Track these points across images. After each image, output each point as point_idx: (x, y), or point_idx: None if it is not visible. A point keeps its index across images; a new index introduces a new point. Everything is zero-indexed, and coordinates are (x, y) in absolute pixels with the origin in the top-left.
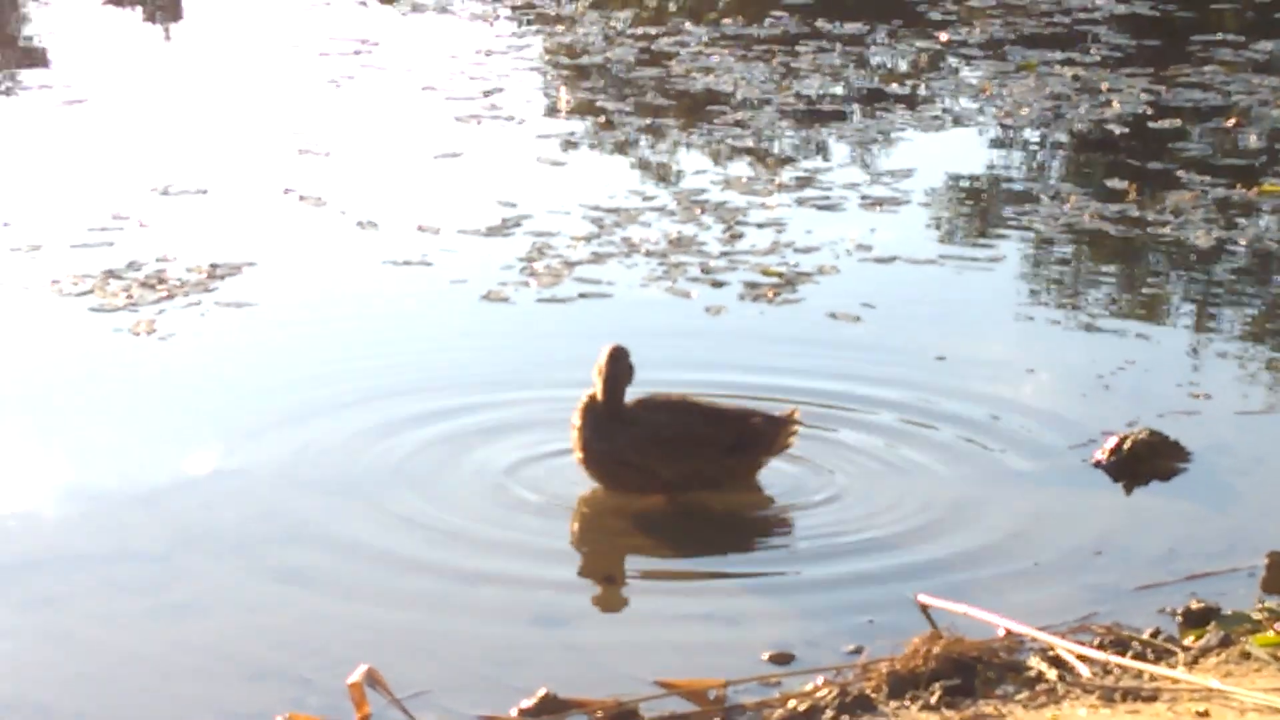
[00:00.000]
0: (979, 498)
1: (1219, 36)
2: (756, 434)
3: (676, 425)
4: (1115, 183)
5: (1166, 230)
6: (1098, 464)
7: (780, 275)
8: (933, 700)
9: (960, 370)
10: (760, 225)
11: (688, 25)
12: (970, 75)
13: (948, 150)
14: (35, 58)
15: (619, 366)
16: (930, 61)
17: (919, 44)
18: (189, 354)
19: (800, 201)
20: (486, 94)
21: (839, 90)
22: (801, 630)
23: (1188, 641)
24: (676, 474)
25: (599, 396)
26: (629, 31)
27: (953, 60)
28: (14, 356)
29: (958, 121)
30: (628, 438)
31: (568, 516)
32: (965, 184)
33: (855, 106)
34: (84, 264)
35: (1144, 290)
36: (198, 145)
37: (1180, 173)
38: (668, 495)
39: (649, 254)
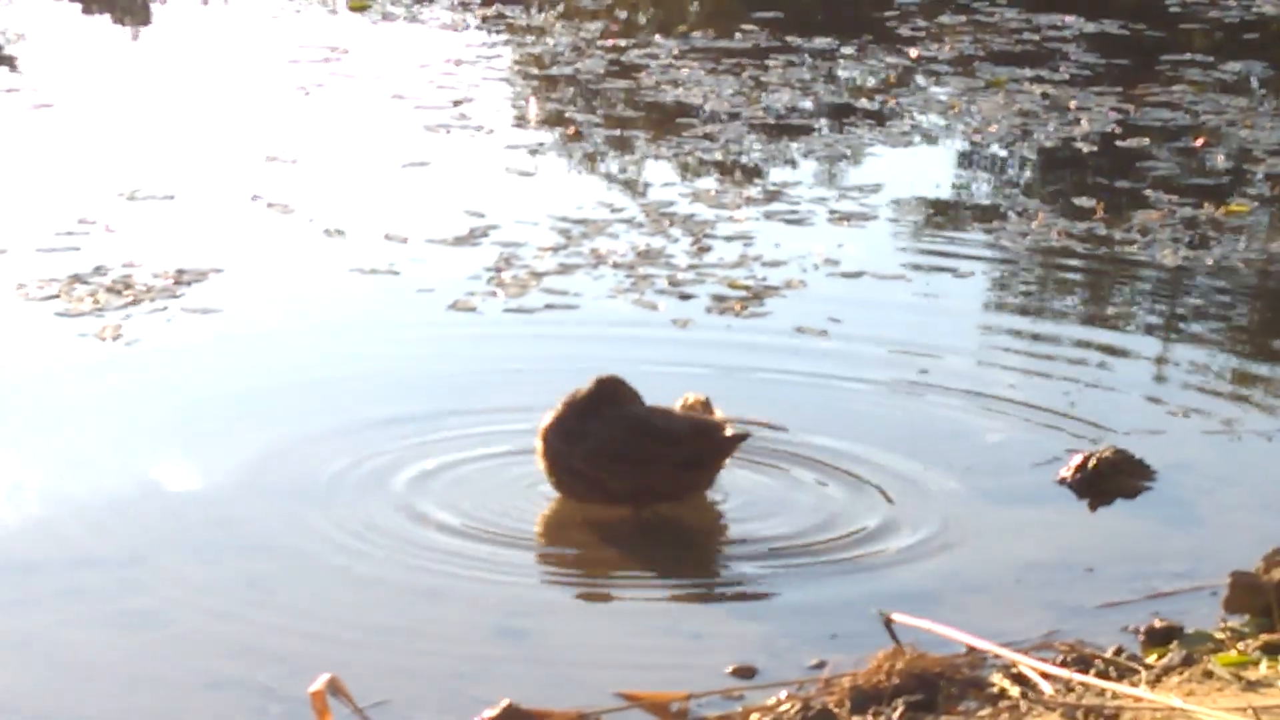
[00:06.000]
0: (943, 514)
1: (1188, 56)
2: (714, 449)
3: (624, 441)
4: (1083, 201)
5: (1134, 249)
6: (1063, 481)
7: (748, 289)
8: (895, 716)
9: (925, 386)
10: (728, 238)
11: (657, 38)
12: (939, 92)
13: (916, 166)
14: (1, 61)
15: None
16: (900, 77)
17: (888, 59)
18: (155, 360)
19: (768, 215)
20: (455, 103)
21: (808, 105)
22: (764, 644)
23: (1150, 660)
24: (625, 488)
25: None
26: (599, 43)
27: (922, 76)
28: None
29: (926, 137)
30: (581, 446)
31: (531, 528)
32: (933, 200)
33: (824, 121)
34: (50, 269)
35: (1110, 308)
36: (165, 150)
37: (1148, 191)
38: (630, 507)
39: (616, 266)
